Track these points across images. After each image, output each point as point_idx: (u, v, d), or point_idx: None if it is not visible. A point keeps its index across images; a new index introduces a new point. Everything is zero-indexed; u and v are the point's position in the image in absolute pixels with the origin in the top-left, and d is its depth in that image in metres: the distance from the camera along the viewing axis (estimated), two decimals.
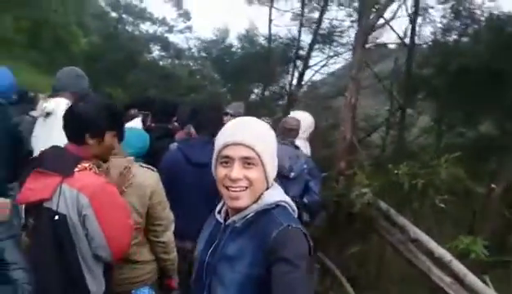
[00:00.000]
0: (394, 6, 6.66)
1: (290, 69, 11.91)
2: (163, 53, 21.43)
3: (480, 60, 6.91)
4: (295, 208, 1.46)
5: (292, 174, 3.75)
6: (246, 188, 1.34)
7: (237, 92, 13.02)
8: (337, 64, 11.47)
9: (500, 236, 4.66)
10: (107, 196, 1.91)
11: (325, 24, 10.42)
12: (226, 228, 1.43)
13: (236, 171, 1.33)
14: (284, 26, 11.33)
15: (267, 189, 1.40)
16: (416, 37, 8.26)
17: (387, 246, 4.41)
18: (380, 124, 8.18)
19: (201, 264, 1.45)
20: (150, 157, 3.01)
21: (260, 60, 11.91)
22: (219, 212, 1.50)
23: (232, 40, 13.56)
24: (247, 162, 1.34)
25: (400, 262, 4.23)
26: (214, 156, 1.40)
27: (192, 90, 15.87)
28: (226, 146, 1.35)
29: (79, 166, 1.89)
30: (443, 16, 8.12)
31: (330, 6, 10.04)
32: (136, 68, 19.07)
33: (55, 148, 1.99)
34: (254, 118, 1.47)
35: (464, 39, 7.98)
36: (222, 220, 1.46)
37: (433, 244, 3.87)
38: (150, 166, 2.50)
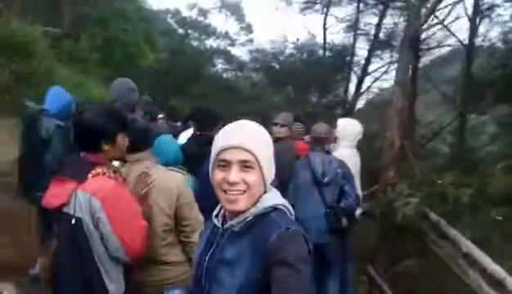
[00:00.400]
0: (449, 8, 6.22)
1: (349, 77, 11.64)
2: (226, 66, 22.06)
3: None
4: (293, 212, 1.44)
5: (326, 179, 3.75)
6: (244, 191, 1.34)
7: (294, 102, 12.97)
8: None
9: None
10: (118, 199, 2.00)
11: (382, 30, 10.06)
12: (224, 232, 1.43)
13: (234, 174, 1.33)
14: (339, 33, 11.14)
15: (265, 192, 1.40)
16: (481, 39, 7.68)
17: (438, 260, 4.11)
18: (440, 132, 7.68)
19: (200, 269, 1.45)
20: (188, 163, 3.12)
21: (317, 68, 11.79)
22: (216, 217, 1.50)
23: (290, 50, 13.58)
24: (245, 165, 1.34)
25: (453, 278, 3.91)
26: (211, 160, 1.40)
27: (253, 100, 16.09)
28: (223, 150, 1.35)
29: (93, 171, 2.00)
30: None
31: (388, 12, 9.67)
32: (201, 81, 19.81)
33: (72, 156, 2.14)
34: (252, 122, 1.46)
35: None
36: (219, 225, 1.46)
37: (485, 259, 3.54)
38: (179, 169, 2.58)
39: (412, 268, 4.46)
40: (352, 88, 11.41)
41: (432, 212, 4.14)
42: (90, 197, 1.93)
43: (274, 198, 1.41)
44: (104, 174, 2.01)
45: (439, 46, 8.40)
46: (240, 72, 20.90)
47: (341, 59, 11.46)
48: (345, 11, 10.62)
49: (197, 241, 2.40)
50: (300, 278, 1.22)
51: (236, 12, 22.39)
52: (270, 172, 1.40)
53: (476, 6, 7.48)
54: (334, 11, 11.14)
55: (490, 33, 7.76)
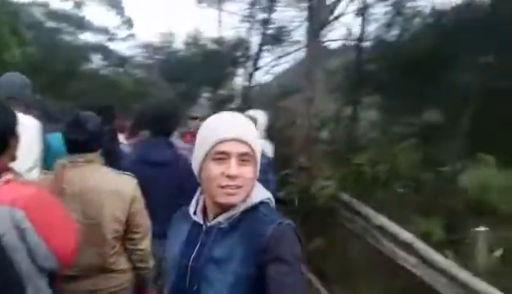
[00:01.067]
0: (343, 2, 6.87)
1: (241, 71, 11.98)
2: (105, 62, 20.71)
3: (423, 52, 7.33)
4: (274, 202, 1.45)
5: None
6: (241, 186, 1.30)
7: (186, 97, 12.81)
8: (287, 63, 11.64)
9: (452, 216, 4.90)
10: (42, 205, 1.78)
11: (274, 24, 10.56)
12: (209, 229, 1.36)
13: (235, 167, 1.28)
14: (233, 28, 11.34)
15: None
16: (362, 35, 8.57)
17: (352, 236, 4.52)
18: (330, 120, 8.38)
19: (183, 269, 1.37)
20: None
21: (209, 63, 11.83)
22: (195, 213, 1.43)
23: (179, 45, 13.36)
24: (244, 158, 1.30)
25: (366, 252, 4.35)
26: (203, 152, 1.32)
27: (138, 97, 15.45)
28: (221, 142, 1.29)
29: (2, 179, 1.71)
30: (386, 13, 8.49)
31: (279, 6, 10.18)
32: (77, 78, 18.31)
33: None
34: (239, 114, 1.41)
35: (407, 34, 8.41)
36: (201, 222, 1.39)
37: (396, 228, 4.04)
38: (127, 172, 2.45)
39: (329, 247, 4.82)
40: (244, 81, 11.75)
41: (344, 194, 4.56)
42: (10, 208, 1.66)
43: (261, 192, 1.40)
44: (17, 180, 1.76)
45: (332, 40, 9.11)
46: (122, 68, 19.83)
47: (234, 53, 11.68)
48: (239, 5, 10.77)
49: (145, 248, 2.40)
50: (296, 276, 1.22)
51: (116, 6, 21.11)
52: (259, 167, 1.39)
53: (364, 2, 8.30)
54: (228, 5, 11.32)
55: (368, 28, 8.69)
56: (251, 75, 11.41)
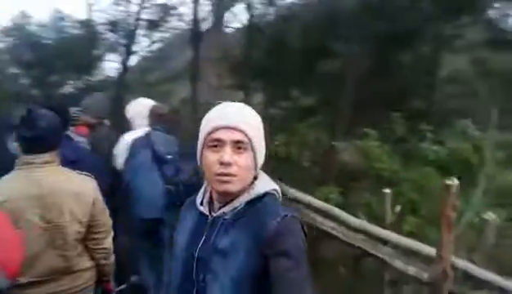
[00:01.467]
0: None
1: (114, 56, 11.27)
2: None
3: (295, 40, 8.03)
4: (280, 194, 1.44)
5: (169, 157, 3.88)
6: (236, 174, 1.29)
7: (46, 85, 11.48)
8: (162, 49, 11.40)
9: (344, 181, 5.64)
10: None
11: (150, 8, 10.21)
12: (214, 220, 1.35)
13: (228, 154, 1.28)
14: (104, 11, 10.57)
15: (255, 177, 1.36)
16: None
17: None
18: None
19: (189, 259, 1.36)
20: None
21: (74, 47, 10.81)
22: (201, 204, 1.42)
23: (35, 27, 11.72)
24: (238, 146, 1.29)
25: None
26: (201, 140, 1.33)
27: None
28: (217, 129, 1.29)
29: None
30: (261, 3, 9.00)
31: None
32: None
33: None
34: (243, 104, 1.40)
35: (280, 23, 9.07)
36: (207, 213, 1.38)
37: (310, 198, 4.53)
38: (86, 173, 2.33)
39: None
40: (117, 67, 11.13)
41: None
42: None
43: (266, 183, 1.38)
44: None
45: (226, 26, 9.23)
46: None
47: (105, 37, 10.90)
48: None
49: (108, 246, 2.41)
50: (302, 270, 1.21)
51: None
52: (261, 156, 1.37)
53: None
54: None
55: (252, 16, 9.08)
56: (126, 60, 10.86)
